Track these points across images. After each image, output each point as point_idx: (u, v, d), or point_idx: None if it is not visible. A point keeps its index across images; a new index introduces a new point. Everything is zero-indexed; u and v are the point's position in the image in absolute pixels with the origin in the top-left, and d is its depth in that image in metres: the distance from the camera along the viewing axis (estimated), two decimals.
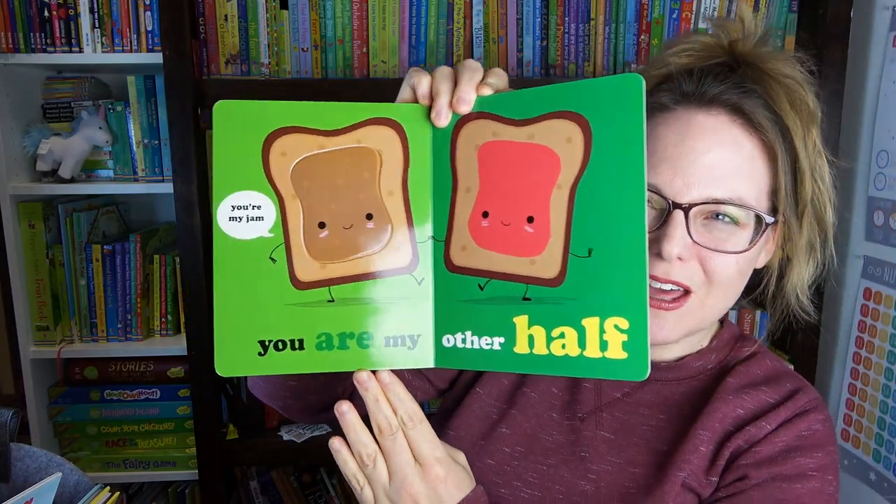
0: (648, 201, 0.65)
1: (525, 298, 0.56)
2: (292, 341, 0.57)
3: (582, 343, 0.53)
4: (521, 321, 0.56)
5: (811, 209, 0.68)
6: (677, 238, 0.63)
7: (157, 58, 1.39)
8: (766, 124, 0.65)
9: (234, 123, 0.56)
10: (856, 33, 1.34)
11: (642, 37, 1.37)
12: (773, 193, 0.67)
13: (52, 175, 1.51)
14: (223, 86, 1.34)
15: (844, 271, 1.45)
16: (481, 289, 0.57)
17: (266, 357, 0.57)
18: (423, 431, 0.58)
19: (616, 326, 0.52)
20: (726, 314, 0.75)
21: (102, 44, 1.45)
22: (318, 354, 0.58)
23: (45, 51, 1.45)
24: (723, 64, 0.68)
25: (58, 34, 1.44)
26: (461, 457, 0.63)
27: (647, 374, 0.52)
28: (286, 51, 1.37)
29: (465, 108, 0.56)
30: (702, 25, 1.35)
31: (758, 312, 1.42)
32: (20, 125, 1.52)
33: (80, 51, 1.45)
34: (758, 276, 0.73)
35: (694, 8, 1.36)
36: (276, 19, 1.36)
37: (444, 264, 0.58)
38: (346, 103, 0.58)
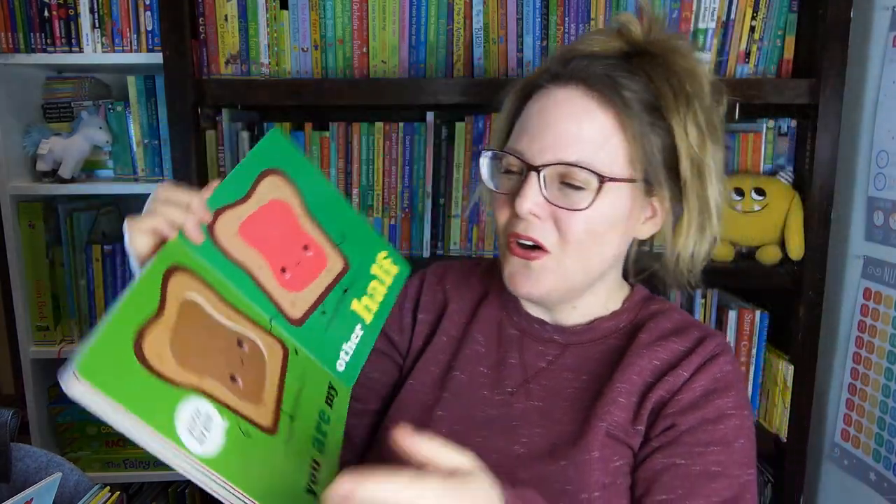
0: (515, 166, 0.75)
1: (345, 291, 0.75)
2: (312, 475, 0.60)
3: (382, 281, 0.79)
4: (355, 305, 0.76)
5: (695, 183, 0.75)
6: (529, 196, 0.72)
7: (157, 58, 1.39)
8: (619, 99, 0.72)
9: (108, 374, 0.50)
10: (856, 33, 1.34)
11: None
12: (632, 162, 0.73)
13: (52, 175, 1.51)
14: (223, 86, 1.34)
15: (844, 271, 1.45)
16: (325, 314, 0.73)
17: None
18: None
19: (384, 258, 0.80)
20: (634, 281, 0.84)
21: (102, 44, 1.45)
22: (330, 458, 0.64)
23: (45, 51, 1.45)
24: (622, 54, 0.77)
25: (58, 34, 1.44)
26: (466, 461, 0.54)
27: (409, 269, 0.82)
28: (286, 51, 1.37)
29: (208, 217, 0.65)
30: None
31: (757, 312, 1.42)
32: (20, 125, 1.52)
33: (80, 51, 1.45)
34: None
35: (694, 8, 1.36)
36: (276, 19, 1.36)
37: (292, 325, 0.69)
38: (141, 279, 0.58)
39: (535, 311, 0.84)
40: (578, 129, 0.72)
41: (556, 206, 0.72)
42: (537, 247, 0.74)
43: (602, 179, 0.71)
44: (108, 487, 0.84)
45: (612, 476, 0.72)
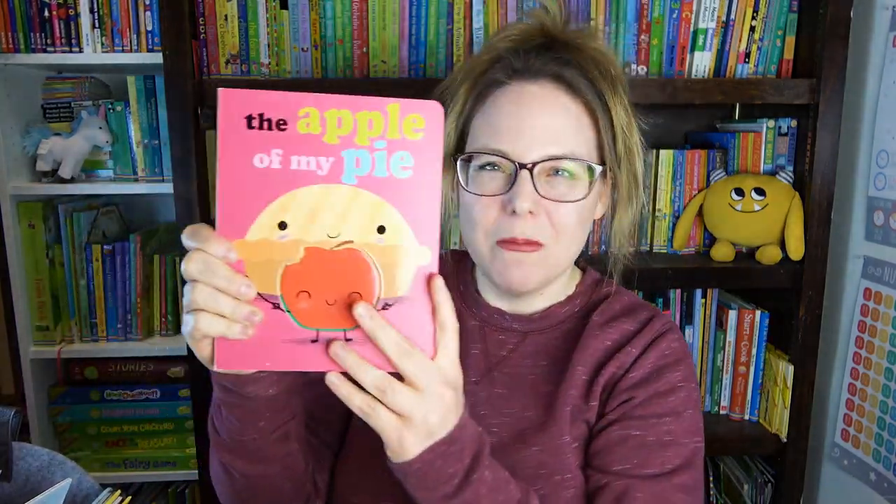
0: (497, 166, 0.75)
1: None
2: None
3: None
4: None
5: (626, 161, 0.79)
6: (526, 194, 0.72)
7: (157, 58, 1.39)
8: (584, 88, 0.75)
9: None
10: (856, 33, 1.34)
11: (642, 37, 1.37)
12: (600, 148, 0.77)
13: (52, 175, 1.51)
14: (223, 86, 1.33)
15: (844, 271, 1.45)
16: None
17: None
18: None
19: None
20: (585, 265, 0.89)
21: (102, 44, 1.45)
22: None
23: (45, 51, 1.45)
24: (540, 45, 0.78)
25: (58, 34, 1.44)
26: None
27: None
28: (286, 51, 1.37)
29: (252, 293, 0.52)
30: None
31: (757, 312, 1.42)
32: (20, 125, 1.52)
33: (80, 51, 1.45)
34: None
35: (694, 8, 1.36)
36: (276, 19, 1.36)
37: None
38: None
39: (494, 302, 0.86)
40: (558, 121, 0.74)
41: (550, 200, 0.74)
42: (531, 241, 0.75)
43: (593, 169, 0.75)
44: (120, 491, 0.84)
45: (582, 456, 0.77)
